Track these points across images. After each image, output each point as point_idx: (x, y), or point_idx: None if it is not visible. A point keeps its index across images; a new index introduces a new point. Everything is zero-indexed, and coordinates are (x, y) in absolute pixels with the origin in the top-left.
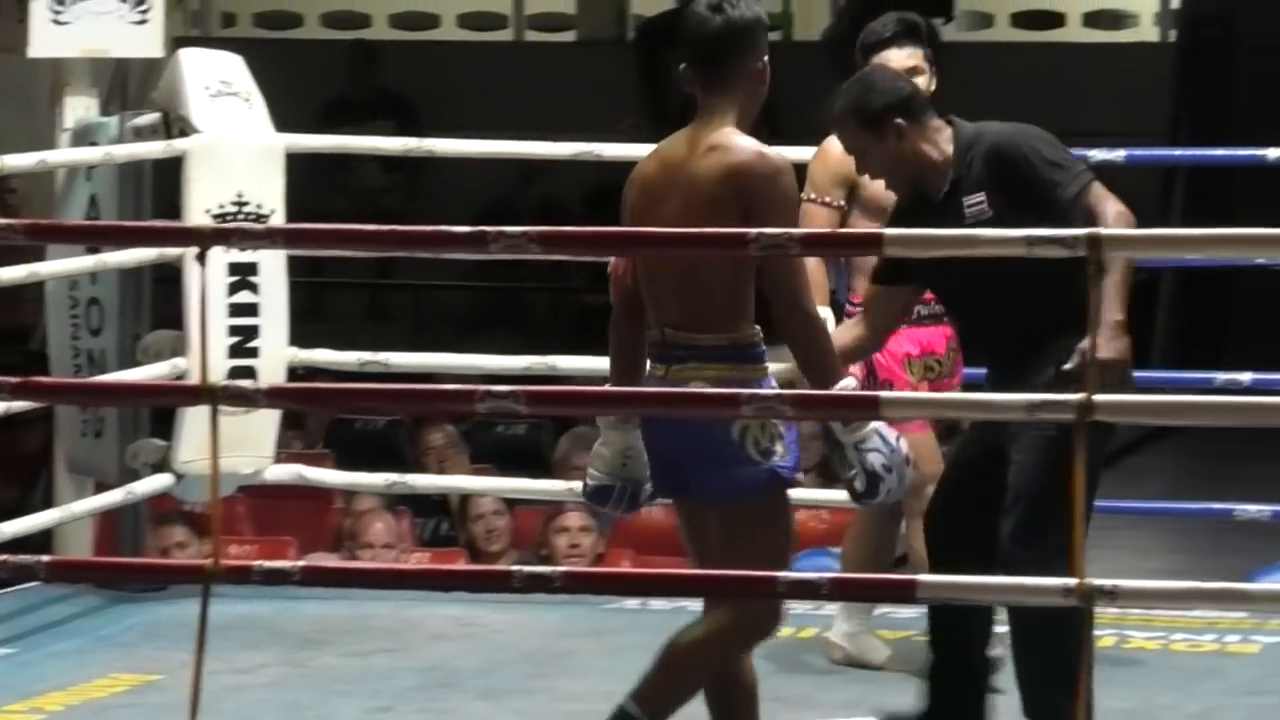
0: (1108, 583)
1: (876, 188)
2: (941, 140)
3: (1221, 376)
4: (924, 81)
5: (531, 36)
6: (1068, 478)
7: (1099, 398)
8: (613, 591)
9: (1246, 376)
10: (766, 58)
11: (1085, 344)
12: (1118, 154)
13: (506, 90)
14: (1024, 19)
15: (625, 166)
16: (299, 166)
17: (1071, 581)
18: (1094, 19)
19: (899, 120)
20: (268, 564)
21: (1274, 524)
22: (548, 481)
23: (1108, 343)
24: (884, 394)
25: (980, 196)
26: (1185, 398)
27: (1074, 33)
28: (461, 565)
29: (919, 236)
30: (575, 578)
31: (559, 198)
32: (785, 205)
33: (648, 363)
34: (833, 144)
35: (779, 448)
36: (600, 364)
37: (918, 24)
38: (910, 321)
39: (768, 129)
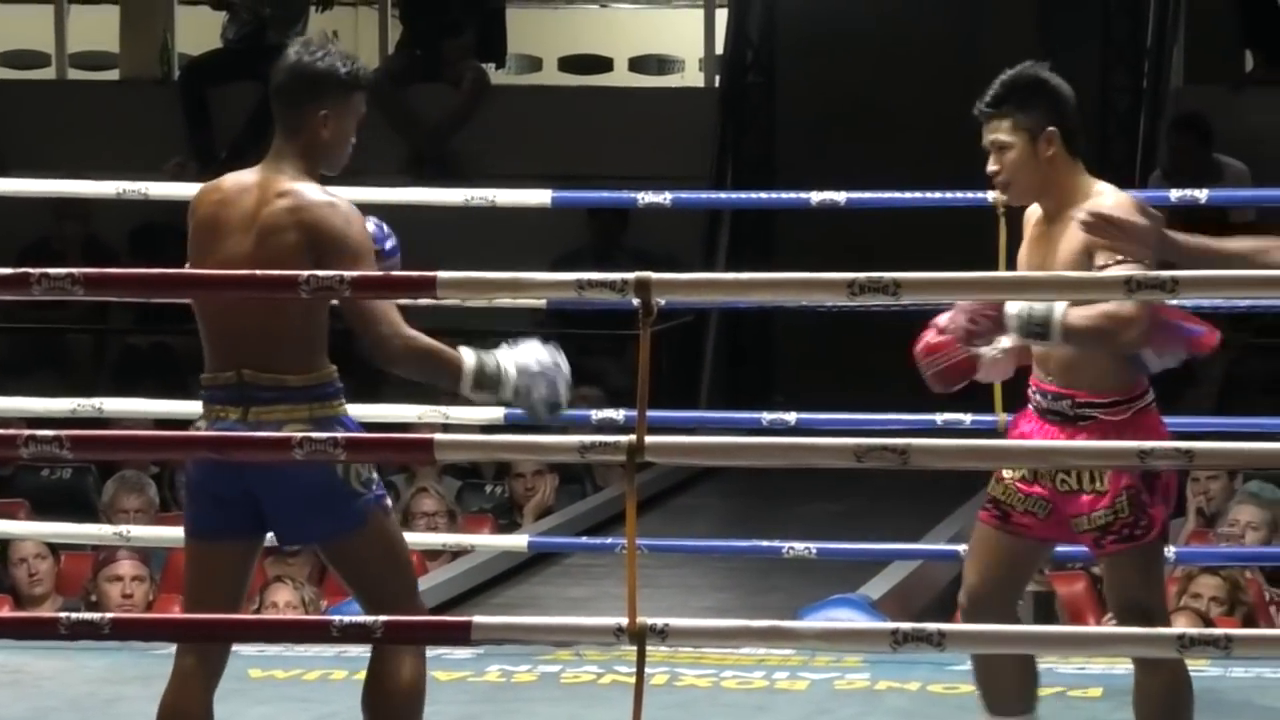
0: (659, 621)
1: None
2: None
3: (768, 416)
4: (1013, 157)
5: (74, 75)
6: None
7: (648, 439)
8: (162, 638)
9: (792, 416)
10: (327, 111)
11: None
12: (664, 197)
13: (49, 129)
14: (571, 63)
15: (172, 205)
16: None
17: (623, 620)
18: (640, 64)
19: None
20: None
21: (821, 561)
22: (94, 526)
23: None
24: (437, 436)
25: None
26: (732, 439)
27: (621, 77)
28: (6, 611)
29: (471, 279)
30: (124, 624)
31: (104, 237)
32: (356, 251)
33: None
34: None
35: (375, 475)
36: (148, 406)
37: (1013, 86)
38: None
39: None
